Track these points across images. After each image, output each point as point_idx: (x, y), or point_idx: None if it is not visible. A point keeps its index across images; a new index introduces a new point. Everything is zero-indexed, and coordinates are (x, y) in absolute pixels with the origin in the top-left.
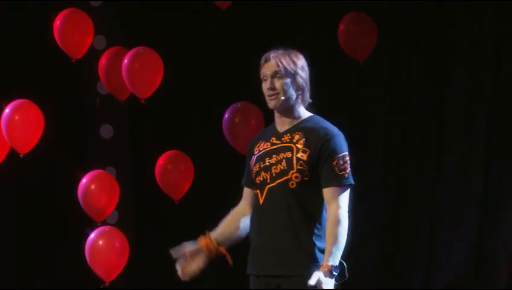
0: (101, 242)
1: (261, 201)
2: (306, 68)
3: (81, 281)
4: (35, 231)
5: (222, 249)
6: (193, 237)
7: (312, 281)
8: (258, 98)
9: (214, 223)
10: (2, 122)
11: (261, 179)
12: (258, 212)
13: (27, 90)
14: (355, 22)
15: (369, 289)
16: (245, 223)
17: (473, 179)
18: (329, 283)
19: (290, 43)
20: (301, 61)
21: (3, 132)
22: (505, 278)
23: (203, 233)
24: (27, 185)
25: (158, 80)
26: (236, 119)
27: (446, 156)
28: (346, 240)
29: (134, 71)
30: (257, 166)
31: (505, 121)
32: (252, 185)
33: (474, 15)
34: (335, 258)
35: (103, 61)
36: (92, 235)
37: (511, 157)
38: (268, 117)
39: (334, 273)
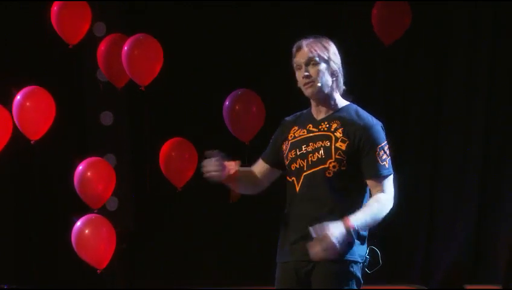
0: (87, 231)
1: (297, 189)
2: (338, 54)
3: (78, 267)
4: (32, 220)
5: (234, 186)
6: (193, 225)
7: (320, 229)
8: (259, 86)
9: (213, 210)
10: (14, 109)
11: (297, 166)
12: (293, 199)
13: (27, 77)
14: (389, 6)
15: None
16: (257, 185)
17: (470, 177)
18: (339, 231)
19: (287, 33)
20: (333, 47)
21: (15, 119)
22: (503, 274)
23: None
24: (27, 171)
25: (158, 67)
26: (237, 107)
27: (444, 152)
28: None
29: (134, 58)
30: (293, 152)
31: (503, 116)
32: (271, 161)
33: (473, 12)
34: (359, 222)
35: (102, 48)
36: (78, 223)
37: (509, 153)
38: (268, 105)
39: (351, 232)
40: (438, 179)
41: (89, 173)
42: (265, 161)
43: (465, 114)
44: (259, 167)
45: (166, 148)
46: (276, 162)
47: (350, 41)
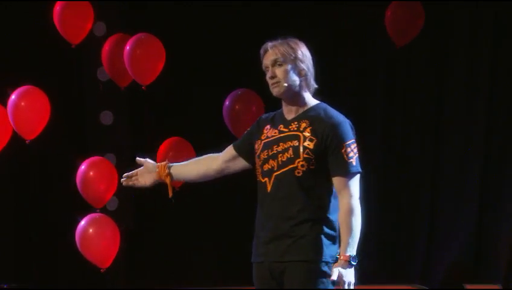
0: (91, 230)
1: (269, 189)
2: (307, 54)
3: (78, 266)
4: (33, 219)
5: (167, 180)
6: (192, 224)
7: (334, 276)
8: (259, 86)
9: (212, 210)
10: (9, 109)
11: (269, 167)
12: (265, 199)
13: (27, 76)
14: (403, 7)
15: (368, 288)
16: (208, 171)
17: (471, 177)
18: (350, 273)
19: (288, 32)
20: (301, 48)
21: (10, 118)
22: (504, 273)
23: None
24: (27, 171)
25: (160, 67)
26: (237, 107)
27: (445, 152)
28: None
29: (136, 58)
30: (265, 153)
31: (504, 116)
32: (241, 151)
33: (474, 12)
34: (351, 248)
35: (106, 48)
36: (82, 222)
37: (510, 153)
38: (268, 105)
39: (352, 263)
40: (438, 179)
41: (91, 172)
42: (235, 148)
43: (466, 114)
44: (227, 153)
45: (163, 148)
46: (244, 152)
47: (351, 41)
